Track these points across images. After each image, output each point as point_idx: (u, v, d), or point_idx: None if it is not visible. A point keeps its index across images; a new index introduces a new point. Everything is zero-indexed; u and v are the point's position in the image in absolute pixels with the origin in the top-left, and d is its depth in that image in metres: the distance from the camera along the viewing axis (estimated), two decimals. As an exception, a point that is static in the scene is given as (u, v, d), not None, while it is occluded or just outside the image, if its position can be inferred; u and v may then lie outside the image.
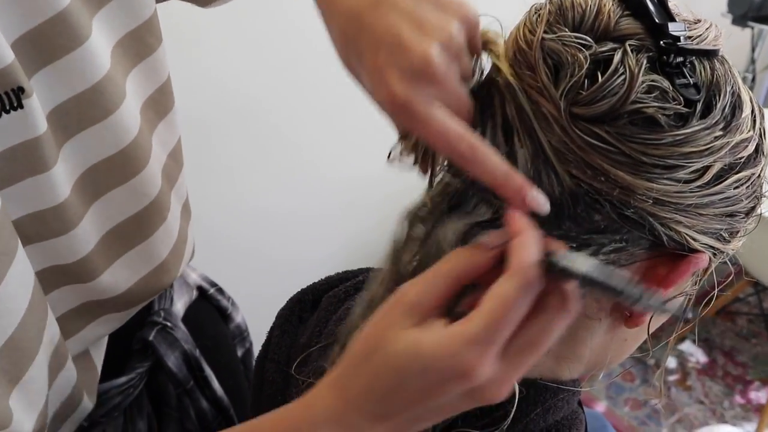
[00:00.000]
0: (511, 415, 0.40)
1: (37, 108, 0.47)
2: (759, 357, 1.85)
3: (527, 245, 0.33)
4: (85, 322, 0.61)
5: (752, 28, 1.82)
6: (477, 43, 0.38)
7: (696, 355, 1.86)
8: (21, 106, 0.46)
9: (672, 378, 1.78)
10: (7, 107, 0.46)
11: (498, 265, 0.35)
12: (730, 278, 0.56)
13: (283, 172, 1.44)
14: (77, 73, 0.50)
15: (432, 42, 0.35)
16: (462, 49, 0.37)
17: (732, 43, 1.96)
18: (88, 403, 0.62)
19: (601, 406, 1.70)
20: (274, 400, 0.54)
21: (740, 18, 1.78)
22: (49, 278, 0.55)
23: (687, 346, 1.88)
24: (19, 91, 0.46)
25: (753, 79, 1.89)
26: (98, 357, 0.66)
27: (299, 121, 1.38)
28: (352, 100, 1.56)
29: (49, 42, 0.48)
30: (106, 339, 0.67)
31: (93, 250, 0.57)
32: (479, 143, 0.35)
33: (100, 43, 0.52)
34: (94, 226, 0.57)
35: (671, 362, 1.83)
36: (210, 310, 0.82)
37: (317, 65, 1.33)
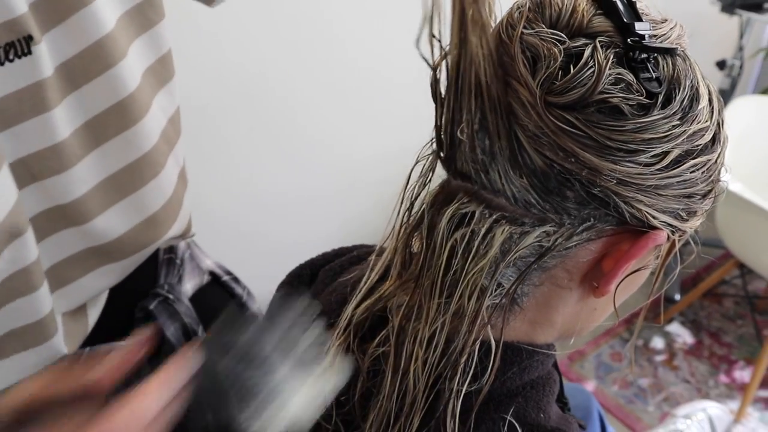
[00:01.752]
0: (492, 373, 0.44)
1: (44, 54, 0.54)
2: (744, 337, 1.90)
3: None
4: (85, 271, 0.66)
5: (740, 15, 1.85)
6: None
7: (683, 336, 1.91)
8: (30, 52, 0.53)
9: (659, 358, 1.83)
10: (19, 53, 0.52)
11: None
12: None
13: (283, 155, 1.46)
14: (83, 30, 0.57)
15: None
16: None
17: (720, 30, 2.00)
18: (61, 346, 0.66)
19: (590, 385, 1.75)
20: None
21: (728, 5, 1.81)
22: (48, 220, 0.61)
23: (675, 328, 1.93)
24: (29, 39, 0.52)
25: (741, 66, 1.92)
26: (93, 314, 0.71)
27: (299, 103, 1.41)
28: (352, 82, 1.60)
29: (60, 2, 0.54)
30: (103, 298, 0.72)
31: (88, 193, 0.62)
32: None
33: (106, 8, 0.58)
34: (91, 171, 0.63)
35: (659, 343, 1.88)
36: (223, 296, 0.86)
37: (318, 46, 1.37)
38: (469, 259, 0.42)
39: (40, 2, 0.54)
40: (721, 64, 1.94)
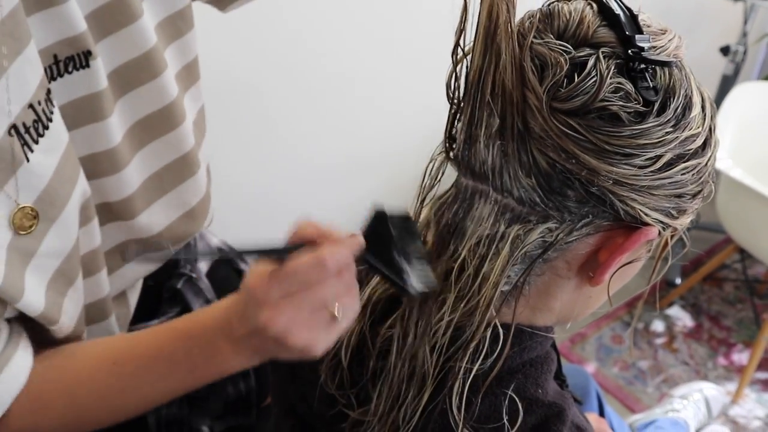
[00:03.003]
0: (500, 356, 0.48)
1: (101, 68, 0.59)
2: (743, 321, 1.94)
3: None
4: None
5: (744, 1, 1.86)
6: None
7: (683, 319, 1.95)
8: (88, 65, 0.57)
9: (659, 341, 1.87)
10: (78, 66, 0.57)
11: None
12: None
13: (288, 153, 1.49)
14: (132, 43, 0.62)
15: None
16: None
17: (724, 16, 2.01)
18: (115, 327, 0.72)
19: (591, 367, 1.80)
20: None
21: (733, -8, 1.82)
22: (99, 214, 0.65)
23: (675, 311, 1.96)
24: (88, 54, 0.57)
25: (745, 52, 1.93)
26: (133, 298, 0.76)
27: (303, 101, 1.44)
28: (360, 76, 1.61)
29: (112, 17, 0.59)
30: (140, 283, 0.77)
31: (135, 191, 0.68)
32: None
33: (149, 22, 0.63)
34: (138, 170, 0.68)
35: (659, 326, 1.92)
36: (229, 271, 0.91)
37: (323, 43, 1.39)
38: (487, 260, 0.46)
39: (96, 13, 0.58)
40: (725, 50, 1.95)
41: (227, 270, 0.91)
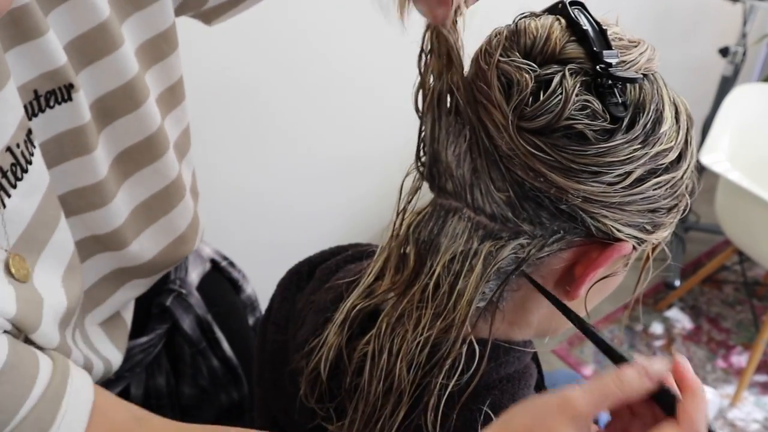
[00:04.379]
0: (476, 371, 0.48)
1: (83, 101, 0.57)
2: (743, 323, 1.93)
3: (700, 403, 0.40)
4: (116, 287, 0.70)
5: (744, 2, 1.85)
6: None
7: (682, 321, 1.94)
8: (70, 98, 0.55)
9: (658, 343, 1.87)
10: (59, 99, 0.55)
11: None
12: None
13: (285, 155, 1.50)
14: (114, 72, 0.59)
15: None
16: None
17: (724, 17, 1.99)
18: (118, 355, 0.71)
19: (589, 370, 1.79)
20: (275, 357, 0.63)
21: (732, -6, 1.81)
22: (87, 247, 0.64)
23: (674, 313, 1.96)
24: (70, 87, 0.55)
25: (744, 54, 1.93)
26: (128, 316, 0.76)
27: (299, 102, 1.44)
28: (351, 80, 1.61)
29: (93, 46, 0.57)
30: (133, 302, 0.76)
31: (124, 222, 0.66)
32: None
33: (130, 48, 0.61)
34: (125, 202, 0.66)
35: (658, 328, 1.91)
36: (222, 281, 0.90)
37: (317, 47, 1.39)
38: (461, 277, 0.46)
39: (75, 42, 0.56)
40: (724, 51, 1.95)
41: (220, 280, 0.91)
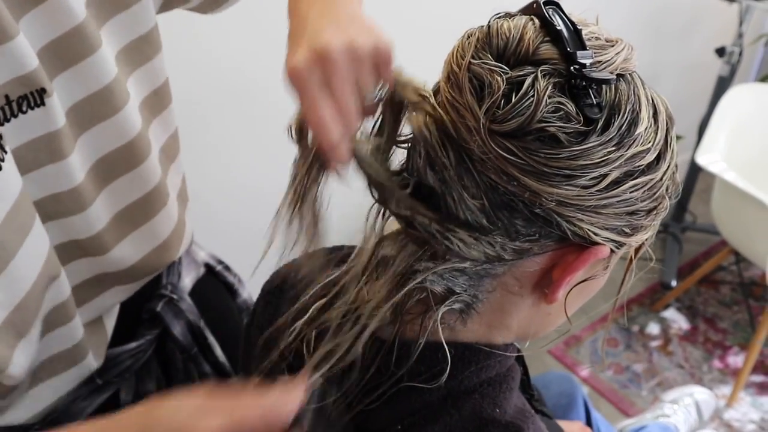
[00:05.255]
0: (445, 373, 0.48)
1: (57, 105, 0.56)
2: (739, 323, 1.93)
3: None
4: (98, 292, 0.70)
5: (740, 2, 1.85)
6: (385, 71, 0.48)
7: (679, 321, 1.94)
8: (43, 103, 0.55)
9: (654, 344, 1.87)
10: (32, 104, 0.54)
11: None
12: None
13: (282, 158, 1.49)
14: (91, 77, 0.59)
15: (343, 39, 0.45)
16: (364, 61, 0.46)
17: (720, 17, 1.99)
18: (92, 361, 0.71)
19: (585, 370, 1.79)
20: (261, 361, 0.63)
21: (727, -6, 1.81)
22: (67, 251, 0.64)
23: (670, 313, 1.95)
24: (42, 92, 0.54)
25: (740, 54, 1.93)
26: (109, 323, 0.74)
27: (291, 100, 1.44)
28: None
29: (68, 50, 0.56)
30: (117, 308, 0.76)
31: (104, 228, 0.65)
32: (328, 119, 0.47)
33: (108, 52, 0.60)
34: (105, 207, 0.65)
35: (654, 329, 1.91)
36: (217, 285, 0.89)
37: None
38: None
39: (50, 46, 0.55)
40: (720, 51, 1.94)
41: (215, 285, 0.90)
